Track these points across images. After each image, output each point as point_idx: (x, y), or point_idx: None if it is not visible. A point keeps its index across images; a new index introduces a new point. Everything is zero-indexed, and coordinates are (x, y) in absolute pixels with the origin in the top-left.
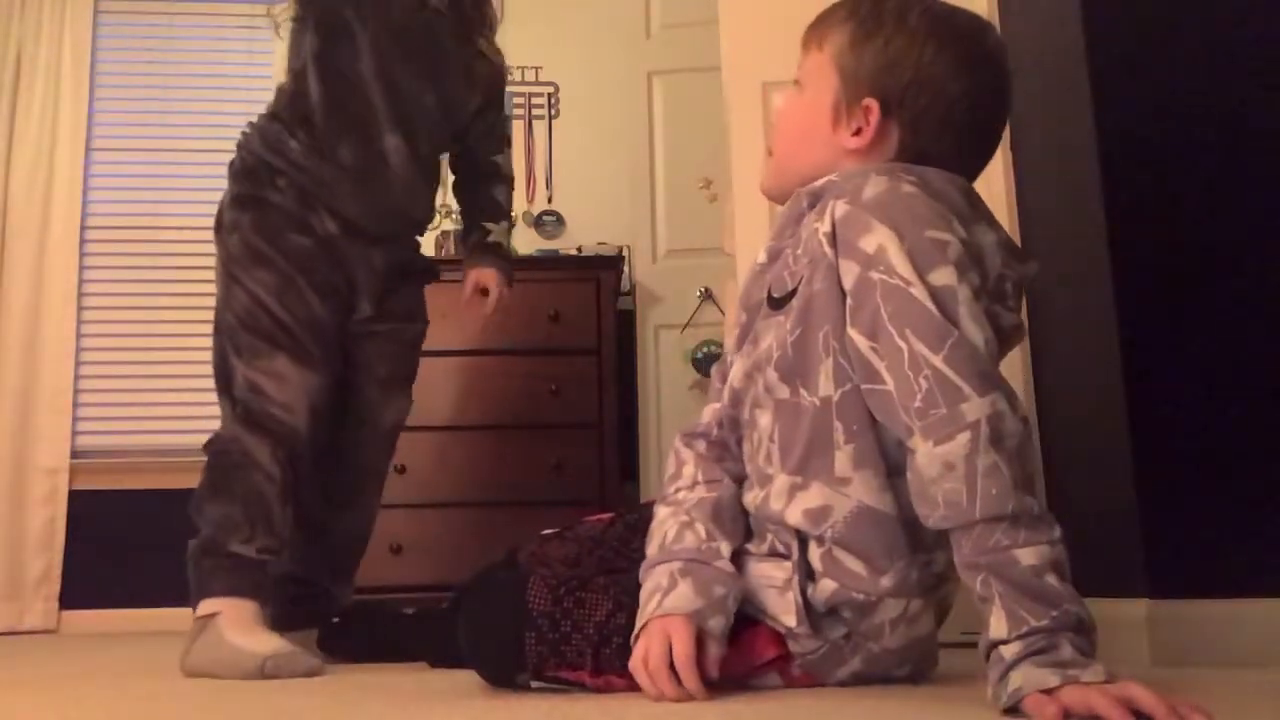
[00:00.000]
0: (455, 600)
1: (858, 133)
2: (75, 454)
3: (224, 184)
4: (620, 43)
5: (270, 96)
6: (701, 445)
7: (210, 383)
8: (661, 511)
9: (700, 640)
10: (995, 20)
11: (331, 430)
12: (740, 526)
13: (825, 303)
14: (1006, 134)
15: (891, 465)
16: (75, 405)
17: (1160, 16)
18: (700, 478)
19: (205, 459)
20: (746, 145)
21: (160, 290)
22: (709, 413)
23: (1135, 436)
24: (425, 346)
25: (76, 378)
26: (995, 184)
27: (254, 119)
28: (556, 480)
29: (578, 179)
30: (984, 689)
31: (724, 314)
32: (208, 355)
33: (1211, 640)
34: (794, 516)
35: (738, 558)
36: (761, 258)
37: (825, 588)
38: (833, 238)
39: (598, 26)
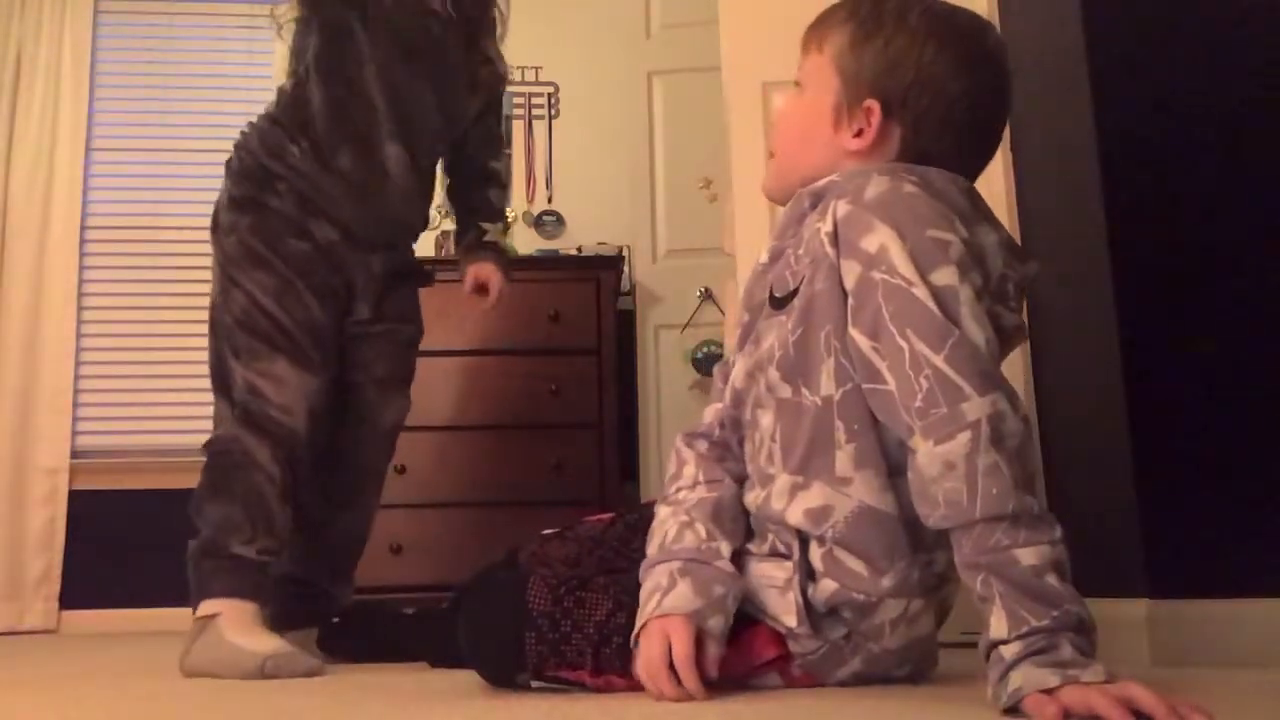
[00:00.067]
0: (455, 600)
1: (859, 134)
2: (75, 454)
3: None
4: (620, 43)
5: (270, 96)
6: (703, 445)
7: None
8: (662, 511)
9: (700, 640)
10: (995, 20)
11: (331, 430)
12: (741, 527)
13: (827, 302)
14: (1006, 134)
15: (893, 465)
16: (75, 405)
17: (1160, 16)
18: (701, 478)
19: (205, 459)
20: (746, 145)
21: (160, 290)
22: (711, 413)
23: (1135, 436)
24: (425, 346)
25: (76, 378)
26: (995, 184)
27: (253, 119)
28: (556, 480)
29: (578, 179)
30: (984, 689)
31: (724, 314)
32: (206, 355)
33: (1211, 640)
34: (795, 516)
35: (738, 558)
36: (763, 258)
37: (826, 588)
38: (834, 237)
39: (598, 26)
